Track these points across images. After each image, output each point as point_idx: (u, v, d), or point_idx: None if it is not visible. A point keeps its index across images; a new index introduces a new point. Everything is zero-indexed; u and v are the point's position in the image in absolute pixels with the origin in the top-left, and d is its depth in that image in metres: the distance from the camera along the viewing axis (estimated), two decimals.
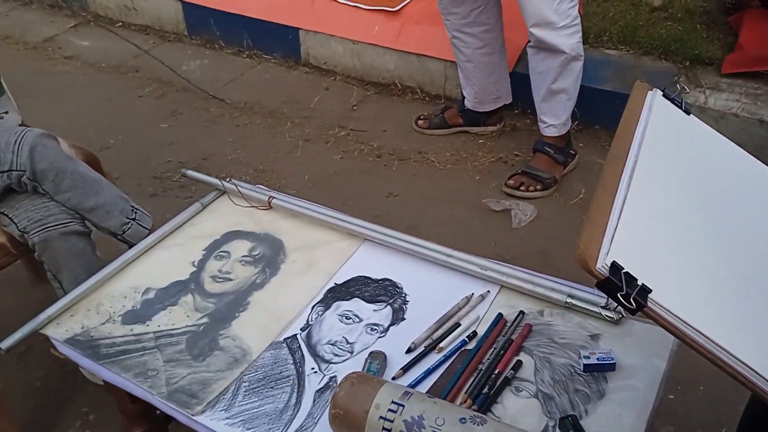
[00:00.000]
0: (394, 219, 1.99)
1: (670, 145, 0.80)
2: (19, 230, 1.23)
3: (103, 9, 3.21)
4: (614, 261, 0.58)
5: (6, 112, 1.54)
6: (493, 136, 2.33)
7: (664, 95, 0.86)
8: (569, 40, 1.88)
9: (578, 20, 1.89)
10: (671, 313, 0.57)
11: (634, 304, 0.56)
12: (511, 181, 2.07)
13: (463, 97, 2.31)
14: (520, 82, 2.23)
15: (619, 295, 0.57)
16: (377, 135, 2.41)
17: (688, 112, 0.87)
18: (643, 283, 0.57)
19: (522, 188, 2.05)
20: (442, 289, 1.09)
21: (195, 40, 3.01)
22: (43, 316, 1.05)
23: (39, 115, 2.13)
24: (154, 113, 2.55)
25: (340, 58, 2.68)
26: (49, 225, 1.23)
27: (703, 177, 0.80)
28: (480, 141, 2.32)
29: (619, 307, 0.98)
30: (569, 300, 1.02)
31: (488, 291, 1.08)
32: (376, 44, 2.56)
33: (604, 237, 0.60)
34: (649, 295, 0.58)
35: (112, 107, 2.60)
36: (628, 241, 0.61)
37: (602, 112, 2.26)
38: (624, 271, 0.57)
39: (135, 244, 1.35)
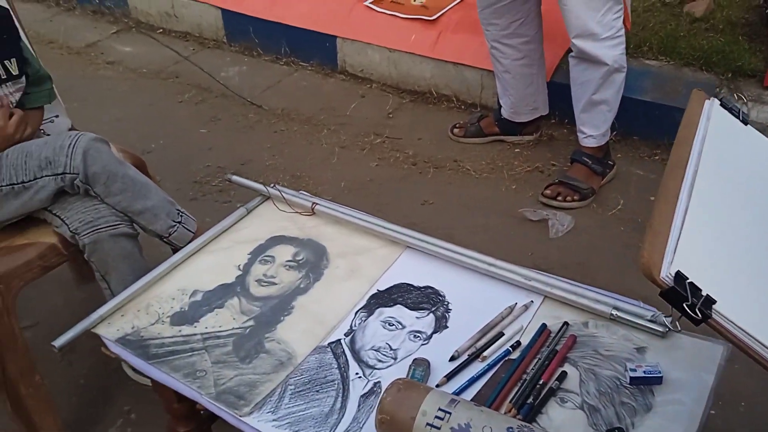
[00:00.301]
0: (430, 227, 1.99)
1: (728, 155, 0.80)
2: (71, 231, 1.27)
3: (144, 16, 3.28)
4: (679, 270, 0.58)
5: (56, 116, 1.59)
6: (530, 145, 2.32)
7: (721, 104, 0.86)
8: (612, 51, 1.87)
9: (622, 32, 1.88)
10: (736, 325, 0.57)
11: (699, 315, 0.56)
12: (548, 191, 2.06)
13: (500, 106, 2.31)
14: (558, 91, 2.23)
15: (684, 305, 0.57)
16: (413, 143, 2.42)
17: (745, 122, 0.86)
18: (707, 294, 0.57)
19: (559, 198, 2.04)
20: (484, 298, 1.09)
21: (233, 47, 3.06)
22: (95, 316, 1.08)
23: (83, 119, 2.18)
24: (193, 118, 2.60)
25: (376, 66, 2.71)
26: (99, 227, 1.27)
27: (762, 187, 0.79)
28: (516, 150, 2.32)
29: (666, 320, 0.97)
30: (615, 312, 1.02)
31: (531, 301, 1.08)
32: (413, 53, 2.57)
33: (667, 246, 0.60)
34: (714, 306, 0.57)
35: (153, 112, 2.66)
36: (691, 250, 0.61)
37: (641, 123, 2.25)
38: (689, 280, 0.57)
39: (180, 247, 1.39)
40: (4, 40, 1.30)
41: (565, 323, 1.03)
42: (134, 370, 1.46)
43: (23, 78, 1.35)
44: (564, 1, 1.85)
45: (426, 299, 1.10)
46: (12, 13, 1.37)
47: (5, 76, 1.31)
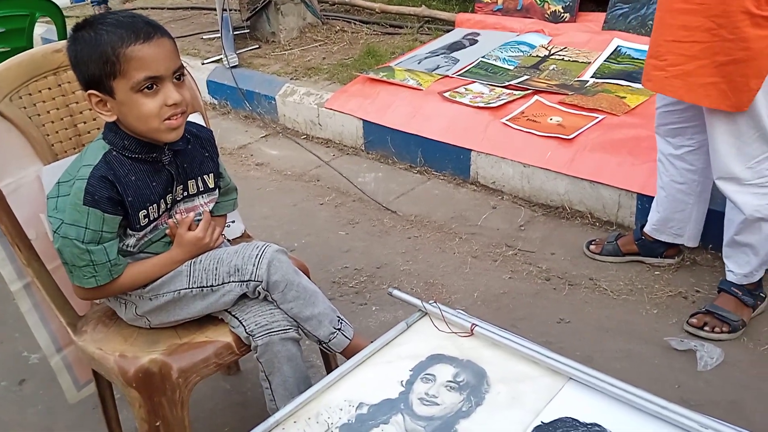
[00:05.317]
0: (566, 347, 1.97)
1: None
2: (246, 333, 1.37)
3: (291, 123, 3.59)
4: None
5: (233, 221, 1.76)
6: (671, 268, 2.26)
7: None
8: (756, 200, 1.80)
9: None
10: None
11: None
12: (694, 320, 1.98)
13: (640, 226, 2.28)
14: (707, 217, 2.17)
15: None
16: (546, 257, 2.43)
17: None
18: None
19: (706, 329, 1.96)
20: None
21: (371, 154, 3.26)
22: (271, 420, 1.15)
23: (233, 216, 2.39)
24: (333, 220, 2.76)
25: (509, 179, 2.78)
26: (272, 330, 1.37)
27: None
28: (656, 272, 2.26)
29: None
30: None
31: None
32: (548, 168, 2.63)
33: None
34: None
35: (297, 212, 2.85)
36: None
37: None
38: None
39: (335, 352, 1.47)
40: (206, 157, 1.48)
41: None
42: None
43: (217, 191, 1.51)
44: (713, 141, 1.82)
45: None
46: (213, 135, 1.56)
47: (203, 189, 1.48)
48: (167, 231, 1.41)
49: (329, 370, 1.68)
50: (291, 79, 3.73)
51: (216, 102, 3.99)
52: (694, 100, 1.77)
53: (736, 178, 1.80)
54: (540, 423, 1.13)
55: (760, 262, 1.92)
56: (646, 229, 2.24)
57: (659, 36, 1.77)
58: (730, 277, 1.98)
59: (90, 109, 1.55)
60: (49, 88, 1.53)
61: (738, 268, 1.95)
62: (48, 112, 1.53)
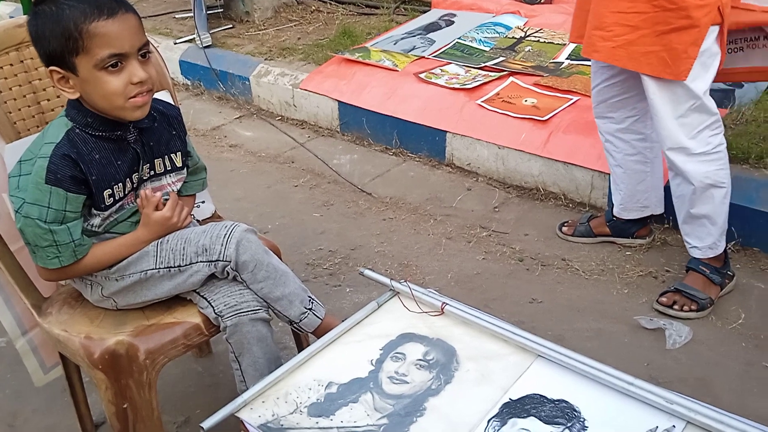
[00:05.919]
0: (539, 327, 1.98)
1: None
2: (215, 313, 1.36)
3: (265, 104, 3.55)
4: None
5: (203, 202, 1.74)
6: (642, 249, 2.29)
7: None
8: (704, 167, 1.84)
9: (721, 147, 1.85)
10: None
11: None
12: (663, 299, 2.01)
13: (611, 207, 2.30)
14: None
15: None
16: (519, 238, 2.44)
17: None
18: None
19: (675, 307, 1.99)
20: (622, 419, 1.07)
21: (346, 136, 3.24)
22: (239, 400, 1.14)
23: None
24: (307, 202, 2.74)
25: (484, 161, 2.78)
26: (242, 311, 1.35)
27: None
28: (627, 253, 2.29)
29: None
30: None
31: (674, 426, 1.05)
32: (523, 150, 2.63)
33: None
34: None
35: (271, 194, 2.82)
36: None
37: (763, 234, 2.18)
38: None
39: (306, 332, 1.46)
40: (173, 136, 1.45)
41: None
42: None
43: (185, 170, 1.49)
44: (655, 112, 1.85)
45: (561, 413, 1.09)
46: (181, 112, 1.53)
47: (170, 168, 1.45)
48: (138, 201, 1.39)
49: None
50: (265, 59, 3.68)
51: (189, 82, 3.92)
52: (636, 67, 1.81)
53: (684, 148, 1.83)
54: (508, 399, 1.14)
55: (720, 230, 1.95)
56: (614, 212, 2.27)
57: (604, 8, 1.81)
58: (695, 253, 2.01)
59: (54, 86, 1.51)
60: (11, 65, 1.49)
61: (700, 241, 1.98)
62: (10, 89, 1.49)
